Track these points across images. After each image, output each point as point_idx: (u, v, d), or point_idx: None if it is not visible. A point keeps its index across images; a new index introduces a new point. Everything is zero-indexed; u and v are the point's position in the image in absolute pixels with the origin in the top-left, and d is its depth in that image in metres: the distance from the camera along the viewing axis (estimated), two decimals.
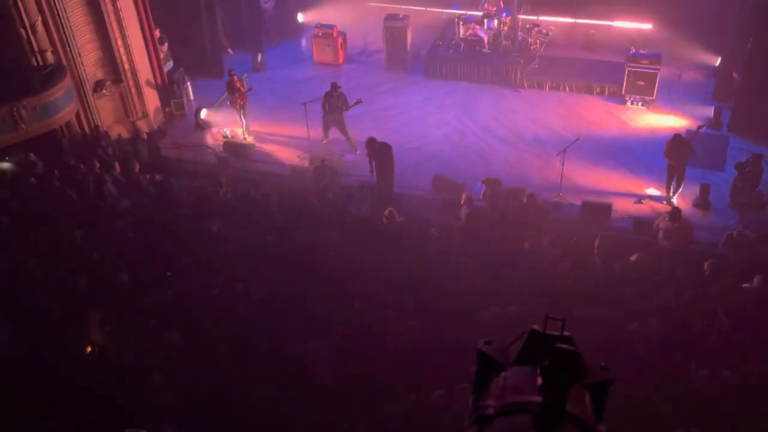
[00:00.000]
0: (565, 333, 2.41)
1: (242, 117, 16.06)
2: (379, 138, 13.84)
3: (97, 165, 13.67)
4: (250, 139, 16.12)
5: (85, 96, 14.99)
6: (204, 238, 11.33)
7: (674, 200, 13.56)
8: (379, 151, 13.60)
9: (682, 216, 12.04)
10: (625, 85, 16.58)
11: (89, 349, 8.99)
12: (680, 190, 13.53)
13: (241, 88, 15.72)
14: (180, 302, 9.69)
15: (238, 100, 15.78)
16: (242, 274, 10.30)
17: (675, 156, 13.25)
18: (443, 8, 20.10)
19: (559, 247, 11.34)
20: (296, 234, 11.53)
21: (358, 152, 15.32)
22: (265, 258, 10.83)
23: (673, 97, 16.78)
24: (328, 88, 15.16)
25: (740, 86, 15.39)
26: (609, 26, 18.98)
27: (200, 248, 10.99)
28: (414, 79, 18.42)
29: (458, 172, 14.57)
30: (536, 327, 2.48)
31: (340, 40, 18.94)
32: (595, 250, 11.22)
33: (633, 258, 10.81)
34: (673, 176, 13.43)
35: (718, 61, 17.32)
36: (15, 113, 13.27)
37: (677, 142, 13.31)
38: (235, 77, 15.70)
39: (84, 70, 14.81)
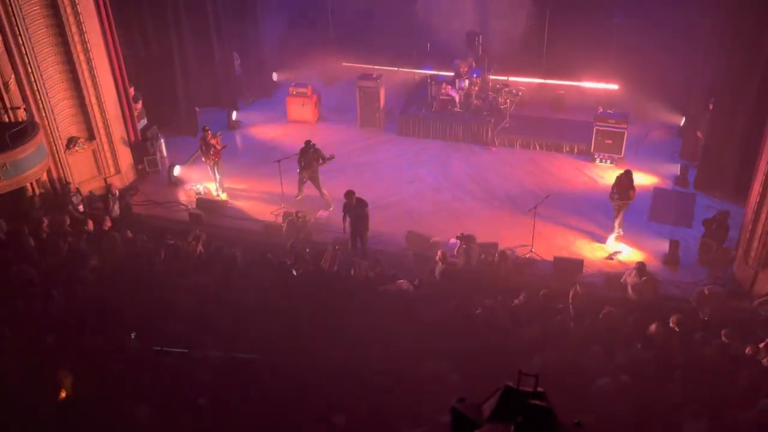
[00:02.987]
0: (539, 389, 2.41)
1: (215, 173, 16.08)
2: (356, 194, 13.91)
3: (68, 222, 13.53)
4: (223, 196, 16.12)
5: (57, 152, 14.92)
6: (176, 298, 11.13)
7: (612, 241, 14.13)
8: (355, 207, 13.66)
9: (648, 270, 12.20)
10: (593, 143, 16.96)
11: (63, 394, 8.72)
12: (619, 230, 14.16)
13: (216, 145, 15.78)
14: (151, 368, 9.43)
15: (212, 157, 15.82)
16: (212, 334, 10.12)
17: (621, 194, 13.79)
18: (415, 69, 20.53)
19: (532, 303, 11.37)
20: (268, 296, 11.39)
21: (332, 208, 15.38)
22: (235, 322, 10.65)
23: (640, 155, 17.17)
24: (303, 146, 15.29)
25: (704, 145, 15.81)
26: (577, 87, 19.51)
27: (173, 308, 10.80)
28: (387, 137, 18.68)
29: (431, 228, 14.66)
30: (510, 384, 2.48)
31: (314, 98, 19.21)
32: (570, 300, 11.30)
33: (602, 314, 10.88)
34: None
35: (682, 121, 17.82)
36: None
37: (623, 180, 13.74)
38: (210, 134, 15.77)
39: (57, 127, 14.79)
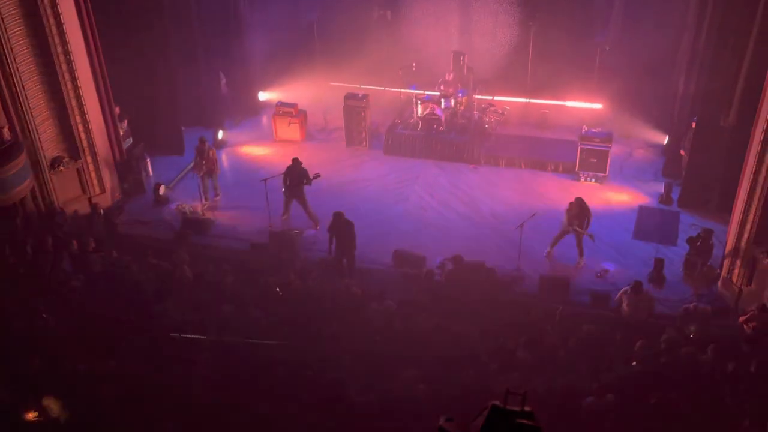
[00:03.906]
0: (526, 408, 2.41)
1: (210, 180, 16.32)
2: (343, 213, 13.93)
3: (52, 242, 13.42)
4: (217, 200, 16.43)
5: (42, 172, 14.82)
6: (160, 319, 11.03)
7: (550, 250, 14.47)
8: (343, 226, 13.64)
9: (643, 288, 12.24)
10: (578, 162, 17.08)
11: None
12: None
13: (212, 156, 16.08)
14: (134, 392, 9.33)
15: (205, 166, 16.01)
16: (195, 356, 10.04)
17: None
18: (402, 88, 20.62)
19: (519, 321, 11.39)
20: (254, 312, 11.34)
21: (318, 227, 15.36)
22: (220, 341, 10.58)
23: (625, 173, 17.31)
24: (290, 164, 15.30)
25: (687, 164, 15.96)
26: (561, 106, 19.68)
27: (156, 329, 10.71)
28: (374, 155, 18.72)
29: (418, 247, 14.66)
30: (497, 403, 2.47)
31: (301, 117, 19.24)
32: (557, 318, 11.32)
33: (585, 328, 10.91)
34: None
35: (666, 140, 18.00)
36: None
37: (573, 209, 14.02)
38: (206, 144, 16.10)
39: (41, 146, 14.70)
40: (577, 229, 13.95)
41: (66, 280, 12.13)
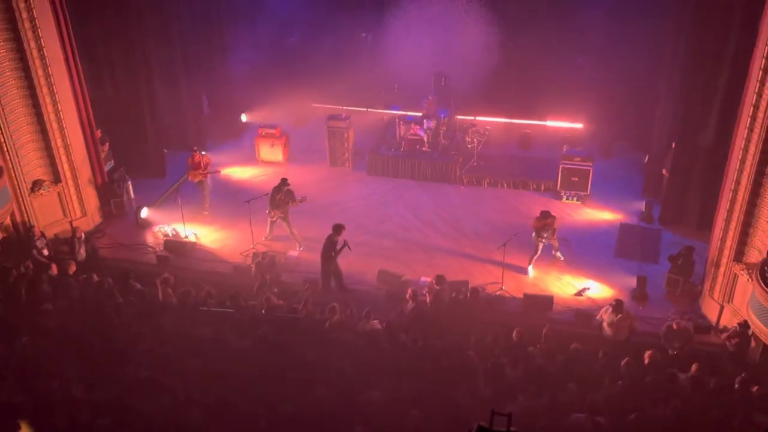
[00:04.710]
0: (512, 429, 2.41)
1: (202, 191, 16.68)
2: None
3: (31, 266, 13.27)
4: (206, 214, 16.68)
5: (22, 196, 14.69)
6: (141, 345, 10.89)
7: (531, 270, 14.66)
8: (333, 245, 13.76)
9: (624, 308, 12.29)
10: (560, 181, 17.22)
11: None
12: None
13: (206, 164, 16.47)
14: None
15: (198, 175, 16.40)
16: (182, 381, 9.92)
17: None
18: (384, 109, 20.74)
19: (503, 340, 11.39)
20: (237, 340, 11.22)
21: (302, 248, 15.34)
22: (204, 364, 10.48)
23: (606, 192, 17.46)
24: (277, 183, 15.31)
25: (668, 182, 16.14)
26: (543, 126, 19.89)
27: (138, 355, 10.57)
28: (357, 176, 18.77)
29: (402, 267, 14.68)
30: (483, 423, 2.47)
31: (284, 139, 19.26)
32: (542, 338, 11.32)
33: (572, 347, 10.92)
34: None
35: (645, 159, 18.19)
36: None
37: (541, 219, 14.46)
38: (198, 153, 16.55)
39: (21, 170, 14.58)
40: (545, 239, 14.34)
41: (42, 303, 11.95)
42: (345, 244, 13.75)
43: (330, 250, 13.77)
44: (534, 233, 14.47)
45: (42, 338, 10.92)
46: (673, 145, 15.81)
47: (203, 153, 16.84)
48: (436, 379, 10.02)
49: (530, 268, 14.63)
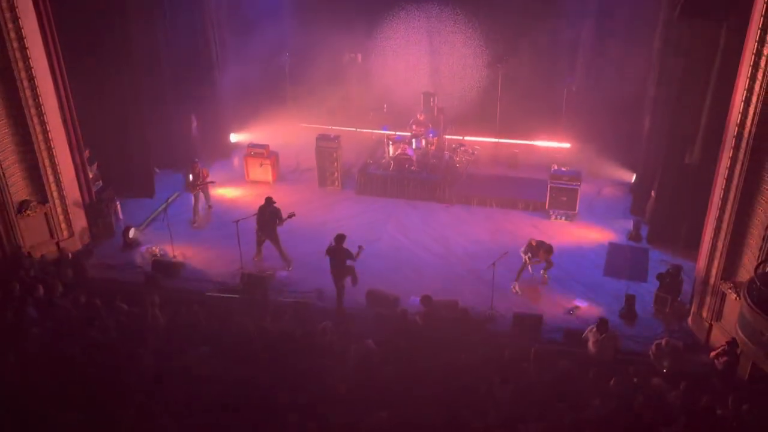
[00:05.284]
0: None
1: (202, 198, 17.39)
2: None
3: (17, 288, 13.15)
4: (208, 211, 17.41)
5: (8, 216, 14.59)
6: (133, 367, 10.78)
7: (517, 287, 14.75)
8: (340, 251, 13.82)
9: (609, 327, 12.30)
10: (548, 200, 17.30)
11: None
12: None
13: (204, 176, 17.04)
14: None
15: (198, 186, 16.87)
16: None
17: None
18: (373, 129, 20.83)
19: (494, 360, 11.36)
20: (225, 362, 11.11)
21: (291, 268, 15.30)
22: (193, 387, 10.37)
23: (594, 211, 17.55)
24: (263, 203, 15.29)
25: (655, 201, 16.24)
26: (531, 145, 20.02)
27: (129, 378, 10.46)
28: (346, 196, 18.78)
29: (392, 286, 14.64)
30: None
31: (272, 159, 19.27)
32: (531, 357, 11.30)
33: (560, 366, 10.91)
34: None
35: (633, 178, 18.33)
36: None
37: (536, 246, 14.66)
38: (198, 165, 17.14)
39: (8, 190, 14.49)
40: (532, 260, 14.61)
41: (33, 326, 11.84)
42: (360, 248, 13.71)
43: (345, 257, 13.73)
44: (524, 248, 14.64)
45: (27, 361, 10.80)
46: (661, 165, 15.86)
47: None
48: (443, 401, 9.94)
49: (515, 283, 14.71)
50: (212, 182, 17.58)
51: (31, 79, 14.20)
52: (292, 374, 10.55)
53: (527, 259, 14.63)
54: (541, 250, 14.62)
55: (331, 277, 13.93)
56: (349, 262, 13.73)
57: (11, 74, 13.94)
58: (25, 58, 14.00)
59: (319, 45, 20.79)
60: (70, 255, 14.99)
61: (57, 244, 15.58)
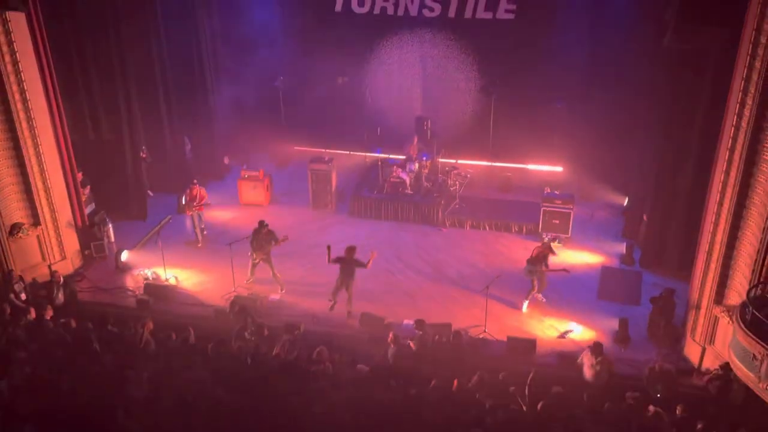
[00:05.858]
0: None
1: (196, 221, 17.20)
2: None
3: (8, 311, 13.05)
4: (202, 236, 17.19)
5: (0, 239, 14.52)
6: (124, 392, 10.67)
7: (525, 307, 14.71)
8: (351, 261, 14.38)
9: (603, 351, 12.28)
10: (541, 223, 17.34)
11: None
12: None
13: (202, 198, 17.07)
14: None
15: (195, 208, 16.92)
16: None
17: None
18: (366, 152, 20.91)
19: (488, 385, 11.30)
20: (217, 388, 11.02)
21: (284, 291, 15.26)
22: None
23: (587, 234, 17.60)
24: (256, 226, 15.28)
25: (647, 225, 16.30)
26: (523, 169, 20.12)
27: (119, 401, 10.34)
28: (340, 218, 18.79)
29: (385, 310, 14.60)
30: None
31: (266, 181, 19.29)
32: (528, 383, 11.24)
33: (554, 390, 10.85)
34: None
35: (625, 201, 18.41)
36: None
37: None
38: (197, 186, 17.12)
39: (0, 213, 14.45)
40: (537, 274, 14.52)
41: (22, 349, 11.73)
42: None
43: (355, 267, 14.36)
44: (526, 266, 14.62)
45: (18, 385, 10.69)
46: (653, 188, 15.95)
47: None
48: (437, 425, 9.87)
49: (525, 303, 14.70)
50: (208, 204, 17.46)
51: (25, 101, 14.24)
52: (286, 401, 10.46)
53: (533, 276, 14.61)
54: (543, 250, 14.68)
55: (337, 283, 14.45)
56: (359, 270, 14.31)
57: (5, 97, 13.96)
58: (20, 81, 14.04)
59: (313, 68, 20.95)
60: (61, 278, 14.90)
61: (49, 266, 15.49)
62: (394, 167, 19.02)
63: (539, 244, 15.08)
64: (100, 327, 12.72)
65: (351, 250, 14.37)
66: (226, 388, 10.60)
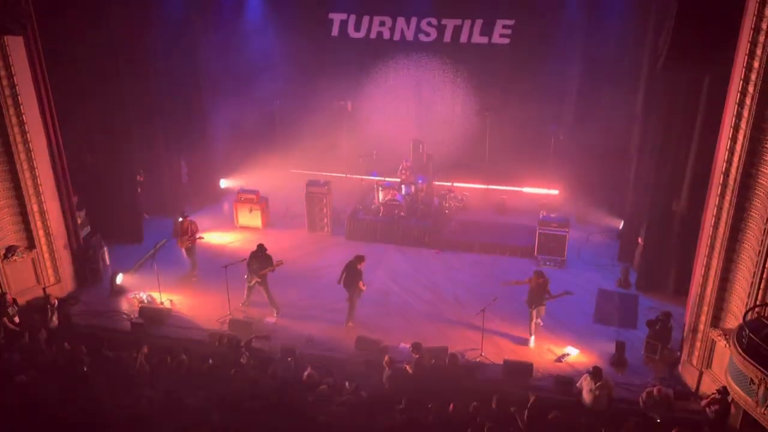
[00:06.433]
0: None
1: (188, 257, 16.74)
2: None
3: (2, 334, 12.97)
4: (194, 279, 16.65)
5: None
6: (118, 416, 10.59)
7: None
8: (355, 270, 14.77)
9: (602, 375, 12.21)
10: (537, 246, 17.35)
11: None
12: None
13: (194, 231, 16.59)
14: None
15: (186, 242, 16.47)
16: None
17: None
18: (363, 175, 20.96)
19: (483, 409, 11.23)
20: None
21: (278, 315, 15.20)
22: None
23: (582, 257, 17.62)
24: (254, 249, 15.26)
25: (643, 249, 16.32)
26: (519, 192, 20.18)
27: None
28: (336, 241, 18.78)
29: (381, 333, 14.55)
30: None
31: (262, 204, 19.31)
32: (528, 407, 11.18)
33: (551, 416, 10.78)
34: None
35: (621, 225, 18.44)
36: None
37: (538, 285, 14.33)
38: (187, 220, 16.66)
39: None
40: (537, 305, 14.23)
41: (16, 374, 11.63)
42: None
43: (358, 278, 14.79)
44: (528, 299, 14.33)
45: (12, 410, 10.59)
46: (648, 212, 15.98)
47: (191, 220, 16.94)
48: None
49: (531, 339, 14.43)
50: (200, 238, 16.95)
51: (22, 125, 14.27)
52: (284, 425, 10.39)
53: (533, 308, 14.35)
54: (540, 280, 14.34)
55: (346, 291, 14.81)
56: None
57: (2, 121, 13.99)
58: (17, 105, 14.08)
59: (309, 92, 21.08)
60: (56, 301, 14.83)
61: (44, 290, 15.42)
62: (390, 190, 19.05)
63: (529, 279, 14.44)
64: (95, 350, 12.61)
65: (358, 259, 14.79)
66: (223, 415, 10.54)
